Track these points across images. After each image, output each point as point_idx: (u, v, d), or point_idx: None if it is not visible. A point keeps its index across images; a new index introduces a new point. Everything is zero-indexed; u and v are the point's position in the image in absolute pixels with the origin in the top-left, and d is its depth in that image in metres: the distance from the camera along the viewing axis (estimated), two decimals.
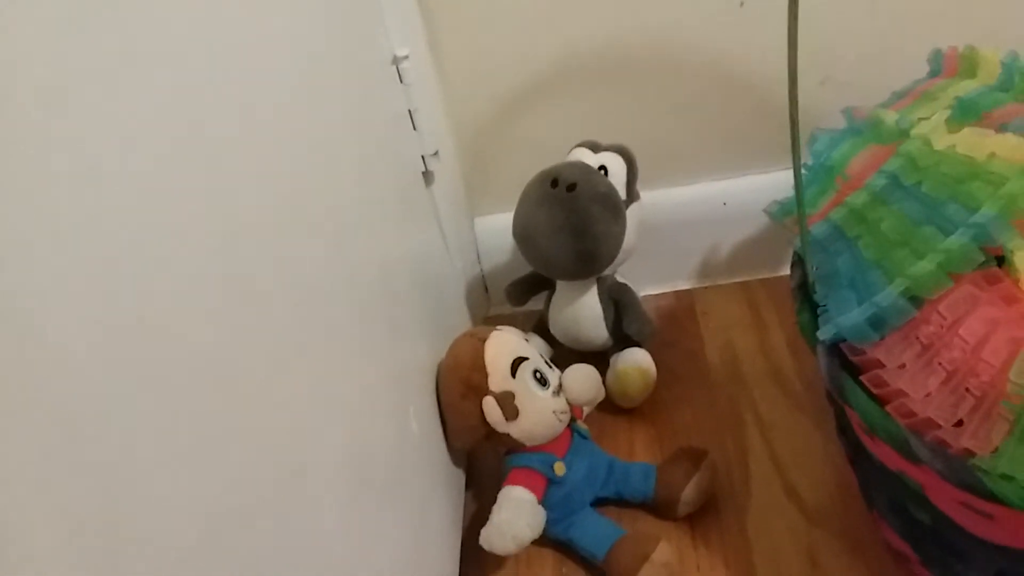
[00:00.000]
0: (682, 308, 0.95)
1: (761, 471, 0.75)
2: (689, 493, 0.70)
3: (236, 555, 0.34)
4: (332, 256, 0.52)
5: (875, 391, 0.53)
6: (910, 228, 0.55)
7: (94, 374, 0.26)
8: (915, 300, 0.52)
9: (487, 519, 0.66)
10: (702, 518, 0.72)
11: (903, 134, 0.60)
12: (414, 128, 0.79)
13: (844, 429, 0.64)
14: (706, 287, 0.98)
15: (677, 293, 0.98)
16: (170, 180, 0.33)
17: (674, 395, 0.84)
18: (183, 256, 0.33)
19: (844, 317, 0.53)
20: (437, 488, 0.68)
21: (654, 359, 0.84)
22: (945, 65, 0.69)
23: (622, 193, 0.78)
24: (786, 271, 0.95)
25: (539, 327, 0.90)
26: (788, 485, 0.73)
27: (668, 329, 0.92)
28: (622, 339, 0.84)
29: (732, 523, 0.71)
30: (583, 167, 0.77)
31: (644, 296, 0.94)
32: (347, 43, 0.64)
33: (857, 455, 0.63)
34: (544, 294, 0.88)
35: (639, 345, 0.84)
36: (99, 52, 0.30)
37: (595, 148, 0.81)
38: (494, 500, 0.69)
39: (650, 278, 0.96)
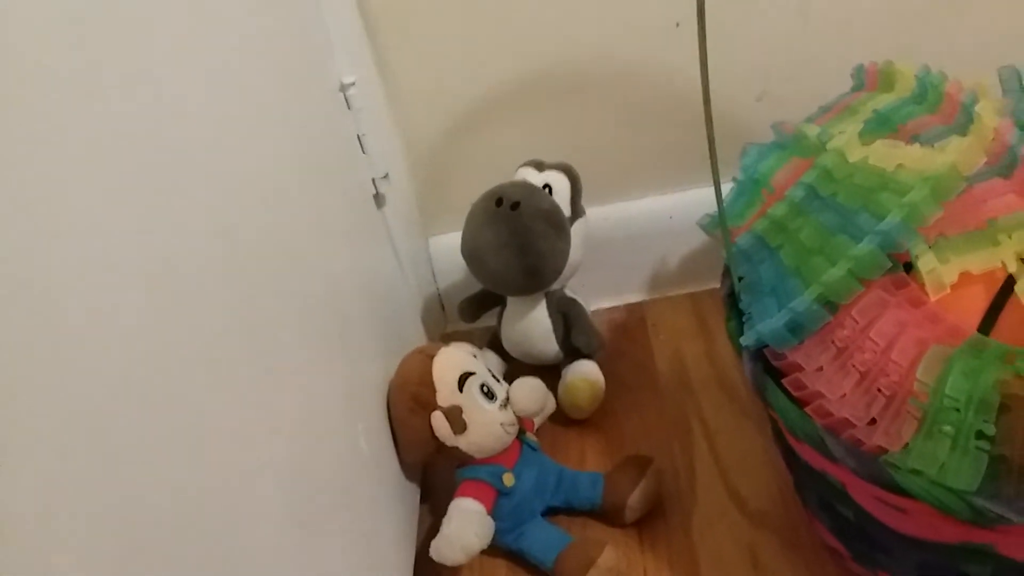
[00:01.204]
0: (633, 320, 0.98)
1: (706, 476, 0.77)
2: (635, 499, 0.72)
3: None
4: (278, 278, 0.54)
5: (796, 393, 0.55)
6: (826, 236, 0.57)
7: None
8: (830, 305, 0.54)
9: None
10: (649, 523, 0.74)
11: (823, 147, 0.63)
12: (363, 152, 0.81)
13: (778, 432, 0.67)
14: (656, 299, 1.00)
15: (628, 306, 1.00)
16: (116, 201, 0.35)
17: (624, 405, 0.86)
18: (123, 272, 0.35)
19: (765, 323, 0.56)
20: (389, 504, 0.69)
21: (605, 370, 0.86)
22: (867, 79, 0.72)
23: (566, 210, 0.81)
24: None
25: (493, 342, 0.92)
26: (731, 488, 0.75)
27: (619, 341, 0.95)
28: (572, 352, 0.86)
29: (678, 527, 0.73)
30: (527, 186, 0.80)
31: (596, 310, 0.96)
32: (293, 73, 0.66)
33: (789, 456, 0.65)
34: (497, 310, 0.90)
35: (589, 357, 0.86)
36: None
37: (540, 167, 0.83)
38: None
39: (602, 292, 0.98)
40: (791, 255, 0.59)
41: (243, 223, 0.50)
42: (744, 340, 0.57)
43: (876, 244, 0.53)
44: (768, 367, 0.58)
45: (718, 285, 0.99)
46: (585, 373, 0.84)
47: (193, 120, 0.46)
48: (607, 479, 0.74)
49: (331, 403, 0.60)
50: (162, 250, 0.39)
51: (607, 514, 0.74)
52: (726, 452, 0.79)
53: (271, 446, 0.48)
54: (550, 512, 0.75)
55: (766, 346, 0.57)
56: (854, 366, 0.53)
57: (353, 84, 0.78)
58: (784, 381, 0.56)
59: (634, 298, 1.01)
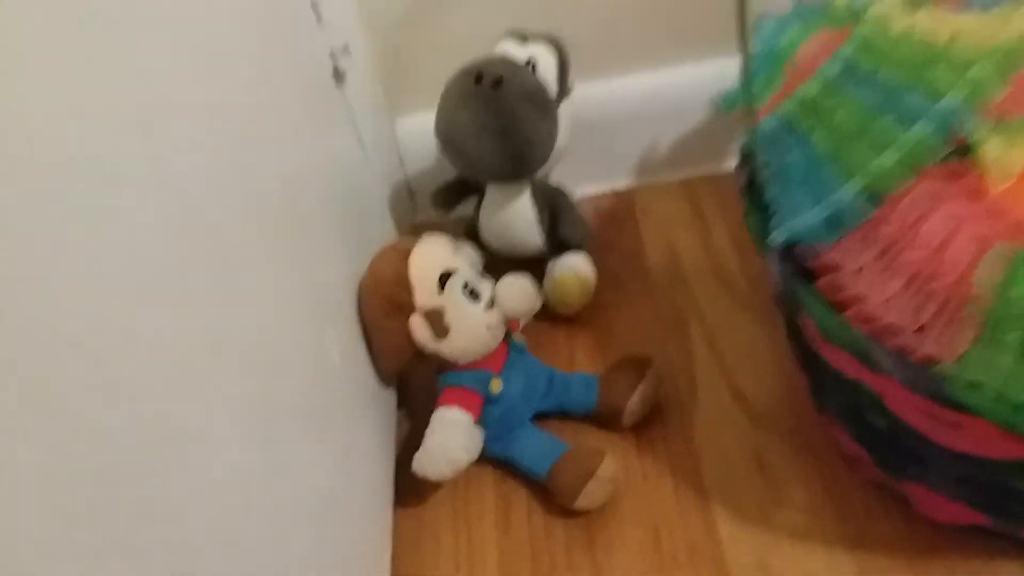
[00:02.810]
0: (621, 208, 0.91)
1: (706, 376, 0.72)
2: (634, 403, 0.67)
3: (126, 503, 0.30)
4: (222, 167, 0.45)
5: (832, 297, 0.49)
6: (867, 119, 0.50)
7: None
8: (873, 197, 0.48)
9: (421, 441, 0.63)
10: (647, 427, 0.69)
11: (856, 16, 0.55)
12: (319, 20, 0.70)
13: (795, 334, 0.61)
14: (646, 185, 0.93)
15: (616, 193, 0.93)
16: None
17: (614, 300, 0.80)
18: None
19: (799, 219, 0.49)
20: (364, 413, 0.63)
21: (593, 262, 0.79)
22: None
23: (553, 88, 0.72)
24: (729, 166, 0.91)
25: (470, 233, 0.84)
26: (734, 389, 0.71)
27: (607, 231, 0.88)
28: (558, 244, 0.79)
29: (678, 431, 0.69)
30: (509, 61, 0.70)
31: (581, 197, 0.89)
32: None
33: (809, 360, 0.60)
34: (474, 198, 0.82)
35: (576, 249, 0.79)
36: None
37: (523, 39, 0.74)
38: (428, 417, 0.65)
39: (586, 177, 0.90)
40: (826, 140, 0.52)
41: (176, 105, 0.40)
42: (775, 237, 0.51)
43: (932, 128, 0.46)
44: (797, 268, 0.51)
45: (713, 170, 0.93)
46: (574, 267, 0.77)
47: None
48: (603, 381, 0.69)
49: (293, 311, 0.52)
50: (79, 140, 0.31)
51: (602, 418, 0.69)
52: (727, 350, 0.74)
53: (225, 363, 0.41)
54: (540, 417, 0.70)
55: (796, 244, 0.51)
56: (901, 266, 0.47)
57: None
58: (819, 283, 0.49)
59: (622, 184, 0.93)
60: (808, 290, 0.50)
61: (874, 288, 0.47)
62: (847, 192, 0.47)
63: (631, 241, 0.86)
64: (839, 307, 0.48)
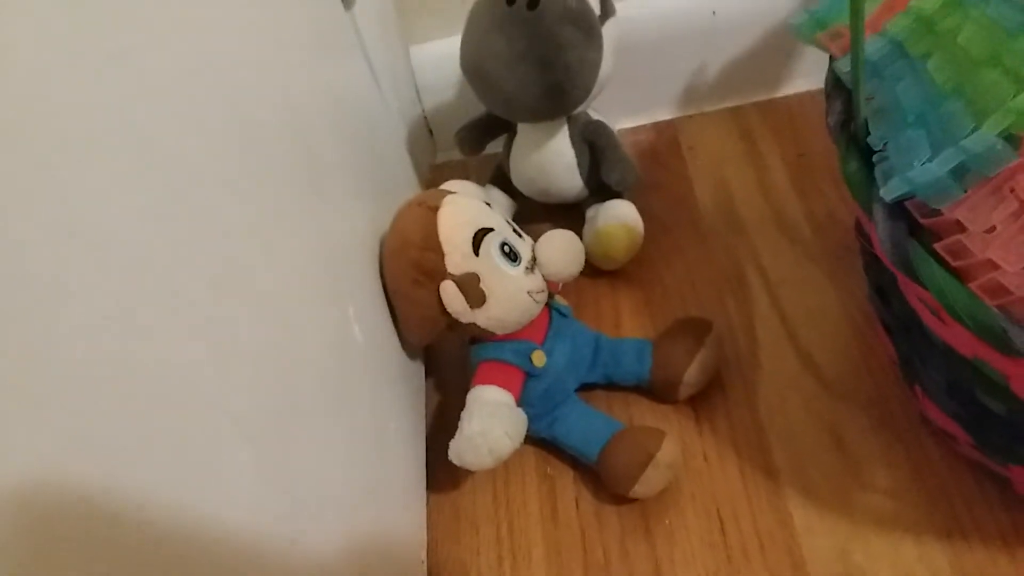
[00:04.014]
0: (664, 143, 0.81)
1: (770, 337, 0.64)
2: (692, 373, 0.59)
3: (130, 499, 0.25)
4: (215, 103, 0.36)
5: (955, 263, 0.40)
6: (1001, 39, 0.41)
7: None
8: (1011, 140, 0.39)
9: (453, 417, 0.55)
10: (706, 399, 0.61)
11: None
12: None
13: (884, 294, 0.53)
14: (691, 115, 0.83)
15: (657, 125, 0.83)
16: None
17: (662, 250, 0.72)
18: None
19: (919, 170, 0.40)
20: (392, 394, 0.56)
21: (636, 206, 0.70)
22: None
23: (596, 7, 0.62)
24: (785, 90, 0.82)
25: (498, 177, 0.75)
26: (803, 355, 0.63)
27: (650, 170, 0.78)
28: (599, 188, 0.70)
29: (741, 402, 0.61)
30: None
31: (618, 131, 0.79)
32: None
33: (903, 328, 0.52)
34: (503, 137, 0.73)
35: (620, 195, 0.70)
36: None
37: None
38: (460, 388, 0.57)
39: (624, 108, 0.81)
40: (946, 68, 0.42)
41: (161, 35, 0.32)
42: (888, 192, 0.41)
43: None
44: (911, 225, 0.42)
45: (766, 96, 0.83)
46: (621, 216, 0.68)
47: None
48: (657, 349, 0.61)
49: (307, 281, 0.44)
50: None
51: (656, 390, 0.61)
52: (792, 309, 0.65)
53: (236, 357, 0.34)
54: (586, 388, 0.62)
55: (908, 198, 0.42)
56: None
57: None
58: (939, 246, 0.41)
59: (664, 115, 0.83)
60: (924, 255, 0.41)
61: (1009, 253, 0.39)
62: (986, 134, 0.38)
63: (678, 182, 0.77)
64: (962, 275, 0.40)
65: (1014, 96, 0.39)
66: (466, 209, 0.55)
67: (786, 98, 0.82)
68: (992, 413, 0.46)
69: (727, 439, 0.59)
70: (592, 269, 0.70)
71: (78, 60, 0.26)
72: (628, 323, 0.67)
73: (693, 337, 0.60)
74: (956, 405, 0.50)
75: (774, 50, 0.78)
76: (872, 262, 0.54)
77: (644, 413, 0.61)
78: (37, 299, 0.22)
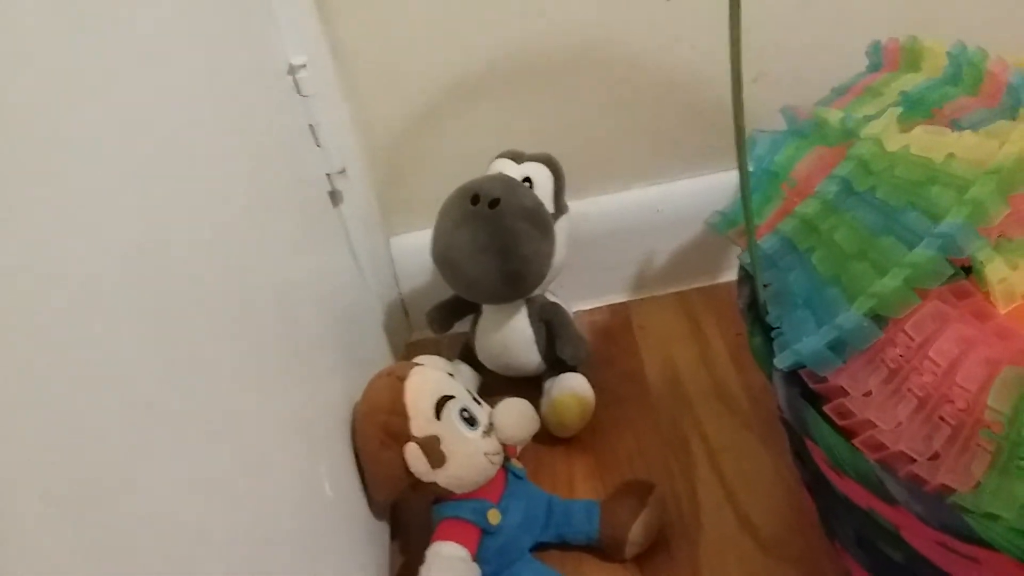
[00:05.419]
0: (618, 323, 0.90)
1: (711, 501, 0.69)
2: (637, 532, 0.64)
3: None
4: (215, 290, 0.44)
5: (841, 422, 0.47)
6: (867, 238, 0.50)
7: None
8: (878, 319, 0.47)
9: None
10: (651, 558, 0.66)
11: (850, 134, 0.56)
12: (317, 144, 0.71)
13: (801, 456, 0.59)
14: (642, 299, 0.92)
15: (612, 307, 0.92)
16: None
17: (614, 419, 0.78)
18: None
19: (803, 343, 0.48)
20: (357, 549, 0.60)
21: (590, 379, 0.78)
22: (886, 58, 0.64)
23: (549, 206, 0.72)
24: (725, 278, 0.91)
25: (465, 353, 0.83)
26: (741, 515, 0.68)
27: (604, 346, 0.87)
28: (556, 363, 0.78)
29: (684, 561, 0.65)
30: (506, 180, 0.71)
31: (577, 312, 0.88)
32: (231, 53, 0.57)
33: (818, 485, 0.58)
34: (470, 317, 0.81)
35: (574, 369, 0.77)
36: None
37: (518, 158, 0.74)
38: (422, 549, 0.62)
39: (582, 292, 0.90)
40: (826, 260, 0.51)
41: (175, 228, 0.40)
42: (780, 362, 0.49)
43: (936, 248, 0.45)
44: (804, 391, 0.50)
45: (708, 283, 0.92)
46: (573, 388, 0.75)
47: (112, 110, 0.36)
48: (604, 509, 0.66)
49: (287, 439, 0.50)
50: (74, 260, 0.29)
51: (605, 548, 0.66)
52: (732, 473, 0.71)
53: (212, 503, 0.38)
54: (540, 547, 0.67)
55: (801, 367, 0.50)
56: (910, 390, 0.45)
57: (304, 66, 0.68)
58: (826, 408, 0.48)
59: (618, 298, 0.93)
60: (815, 415, 0.48)
61: (883, 413, 0.46)
62: (854, 315, 0.46)
63: (629, 357, 0.85)
64: (848, 432, 0.47)
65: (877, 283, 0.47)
66: (430, 379, 0.62)
67: (727, 283, 0.91)
68: (895, 562, 0.51)
69: None
70: (548, 436, 0.76)
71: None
72: (581, 486, 0.73)
73: (637, 498, 0.65)
74: (867, 557, 0.55)
75: (713, 242, 0.88)
76: (788, 426, 0.61)
77: (594, 571, 0.66)
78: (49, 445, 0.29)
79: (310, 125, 0.70)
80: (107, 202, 0.34)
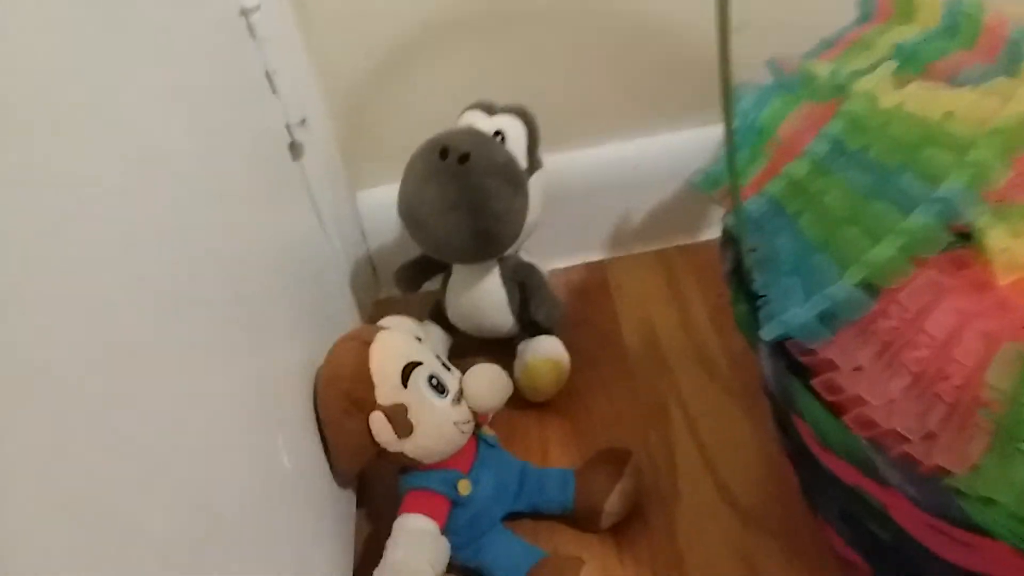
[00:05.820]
0: (594, 282, 0.87)
1: (690, 469, 0.67)
2: (613, 502, 0.62)
3: None
4: (162, 251, 0.40)
5: (829, 398, 0.45)
6: (859, 202, 0.47)
7: None
8: (871, 289, 0.44)
9: (383, 547, 0.57)
10: (628, 527, 0.64)
11: (840, 90, 0.52)
12: (274, 92, 0.66)
13: (784, 427, 0.57)
14: (619, 257, 0.89)
15: (588, 265, 0.89)
16: None
17: (589, 383, 0.76)
18: None
19: (791, 313, 0.45)
20: (320, 523, 0.57)
21: (565, 341, 0.75)
22: (877, 8, 0.60)
23: (522, 161, 0.68)
24: (705, 236, 0.88)
25: (436, 313, 0.79)
26: (720, 484, 0.66)
27: (579, 306, 0.84)
28: (529, 325, 0.74)
29: (661, 531, 0.64)
30: (476, 134, 0.67)
31: (552, 270, 0.84)
32: None
33: (801, 458, 0.55)
34: (440, 276, 0.78)
35: (549, 331, 0.74)
36: None
37: (490, 110, 0.70)
38: (391, 518, 0.59)
39: (557, 250, 0.87)
40: (815, 225, 0.48)
41: (107, 182, 0.36)
42: (766, 334, 0.46)
43: (934, 215, 0.42)
44: (791, 363, 0.47)
45: (688, 241, 0.89)
46: (548, 352, 0.72)
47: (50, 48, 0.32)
48: (579, 478, 0.64)
49: (240, 412, 0.47)
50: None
51: (579, 519, 0.64)
52: (711, 440, 0.69)
53: (162, 476, 0.36)
54: (513, 517, 0.65)
55: (788, 338, 0.47)
56: (904, 365, 0.42)
57: (258, 8, 0.63)
58: (814, 382, 0.45)
59: (594, 256, 0.89)
60: (803, 389, 0.45)
61: (875, 389, 0.43)
62: (845, 284, 0.43)
63: (605, 318, 0.82)
64: (837, 408, 0.44)
65: (870, 251, 0.44)
66: (396, 344, 0.59)
67: (708, 242, 0.88)
68: (881, 541, 0.49)
69: (647, 566, 0.61)
70: (521, 401, 0.73)
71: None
72: (555, 454, 0.71)
73: (613, 466, 0.63)
74: (851, 532, 0.53)
75: (694, 200, 0.85)
76: (774, 400, 0.58)
77: (568, 542, 0.64)
78: None
79: (266, 72, 0.65)
80: (31, 154, 0.30)
